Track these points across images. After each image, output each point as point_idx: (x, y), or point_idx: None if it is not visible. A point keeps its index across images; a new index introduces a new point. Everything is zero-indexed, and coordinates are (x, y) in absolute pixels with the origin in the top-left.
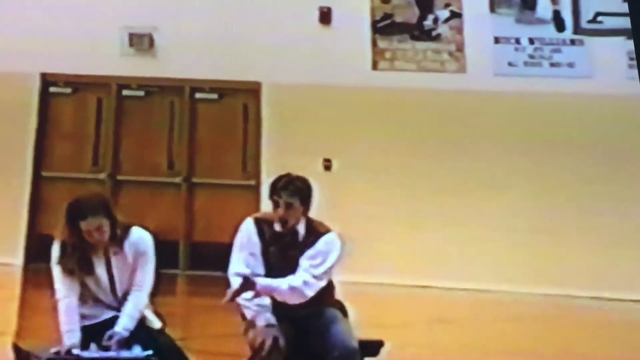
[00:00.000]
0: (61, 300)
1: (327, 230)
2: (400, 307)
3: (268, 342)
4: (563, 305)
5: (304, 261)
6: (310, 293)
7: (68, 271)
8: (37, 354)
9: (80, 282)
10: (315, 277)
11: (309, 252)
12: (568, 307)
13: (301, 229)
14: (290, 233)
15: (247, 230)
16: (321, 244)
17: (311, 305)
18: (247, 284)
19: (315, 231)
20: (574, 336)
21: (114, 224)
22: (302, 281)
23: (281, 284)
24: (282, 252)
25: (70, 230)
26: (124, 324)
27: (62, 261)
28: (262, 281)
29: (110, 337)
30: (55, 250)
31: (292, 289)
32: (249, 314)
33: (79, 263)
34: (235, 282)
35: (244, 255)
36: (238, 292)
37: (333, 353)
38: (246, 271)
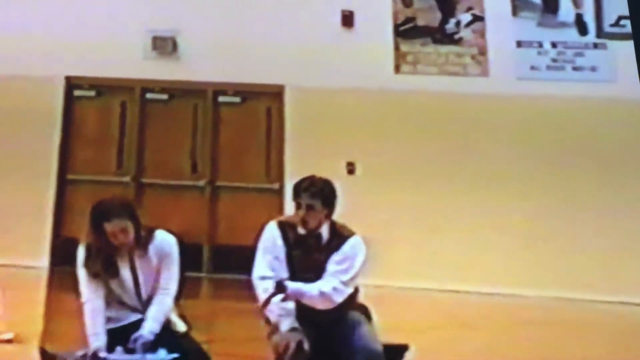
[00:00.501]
0: (87, 303)
1: (351, 234)
2: (422, 311)
3: (292, 346)
4: (583, 309)
5: (332, 266)
6: (339, 299)
7: (93, 274)
8: (64, 356)
9: (105, 285)
10: (343, 282)
11: (336, 257)
12: (588, 311)
13: (324, 232)
14: (314, 236)
15: (271, 233)
16: (347, 248)
17: (335, 309)
18: (279, 287)
19: (339, 234)
20: (598, 341)
21: (138, 226)
22: (332, 287)
23: (311, 289)
24: (306, 256)
25: (95, 233)
26: (150, 327)
27: (87, 264)
28: (292, 285)
29: (136, 340)
30: (81, 253)
31: (322, 294)
32: (273, 318)
33: (104, 266)
34: (260, 286)
35: (269, 259)
36: (271, 297)
37: (357, 357)
38: (270, 274)
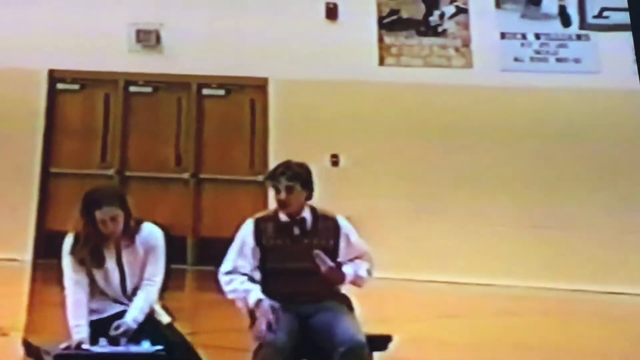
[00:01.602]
0: (69, 294)
1: (333, 214)
2: (406, 302)
3: (270, 317)
4: (569, 299)
5: (357, 246)
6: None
7: (79, 260)
8: (47, 349)
9: (89, 276)
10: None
11: (351, 238)
12: (574, 301)
13: (307, 215)
14: (297, 221)
15: (244, 231)
16: (348, 225)
17: (317, 299)
18: (336, 271)
19: (322, 216)
20: (580, 330)
21: (127, 216)
22: (366, 269)
23: (359, 270)
24: (293, 243)
25: (85, 221)
26: (133, 316)
27: (74, 251)
28: (348, 270)
29: (118, 328)
30: (68, 242)
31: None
32: (239, 304)
33: (90, 254)
34: (222, 280)
35: (234, 256)
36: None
37: (340, 348)
38: (232, 269)
